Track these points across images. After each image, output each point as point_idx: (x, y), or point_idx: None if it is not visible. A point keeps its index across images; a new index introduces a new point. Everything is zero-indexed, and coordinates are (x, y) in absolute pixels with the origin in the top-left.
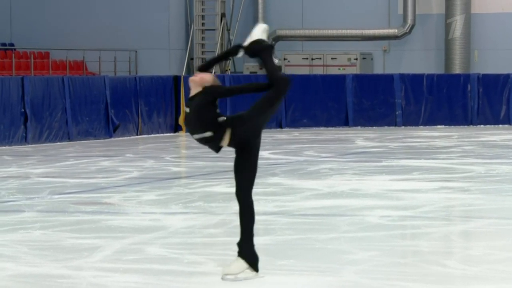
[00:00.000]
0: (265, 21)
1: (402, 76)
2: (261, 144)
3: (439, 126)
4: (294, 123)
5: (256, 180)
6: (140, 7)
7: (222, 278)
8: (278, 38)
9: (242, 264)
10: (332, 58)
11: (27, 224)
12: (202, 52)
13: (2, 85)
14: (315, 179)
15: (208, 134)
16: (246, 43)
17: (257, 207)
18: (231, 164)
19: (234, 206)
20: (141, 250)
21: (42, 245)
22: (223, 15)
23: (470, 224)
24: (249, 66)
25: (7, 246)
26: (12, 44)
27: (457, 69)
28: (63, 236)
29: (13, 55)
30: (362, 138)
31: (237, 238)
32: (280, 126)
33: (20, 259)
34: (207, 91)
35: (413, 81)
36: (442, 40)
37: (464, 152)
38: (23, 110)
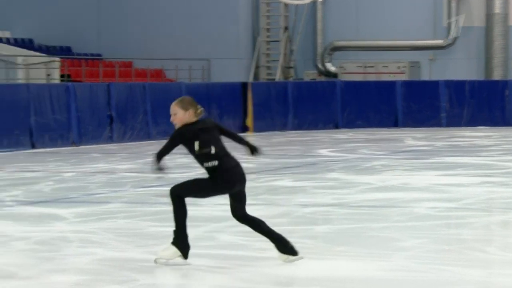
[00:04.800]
0: (324, 33)
1: (447, 82)
2: (320, 142)
3: (480, 127)
4: (349, 124)
5: (315, 175)
6: (213, 21)
7: (155, 261)
8: (335, 48)
9: (175, 251)
10: (383, 66)
11: (113, 214)
12: (267, 61)
13: (91, 91)
14: (369, 175)
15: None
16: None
17: (317, 199)
18: (293, 161)
19: (296, 198)
20: (213, 237)
21: (126, 232)
22: (286, 28)
23: (509, 215)
24: (309, 73)
25: (96, 233)
26: (99, 55)
27: (496, 75)
28: (145, 224)
29: (101, 64)
30: (410, 137)
31: (300, 227)
32: (336, 126)
33: (107, 244)
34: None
35: (457, 86)
36: (483, 50)
37: (503, 150)
38: (109, 113)
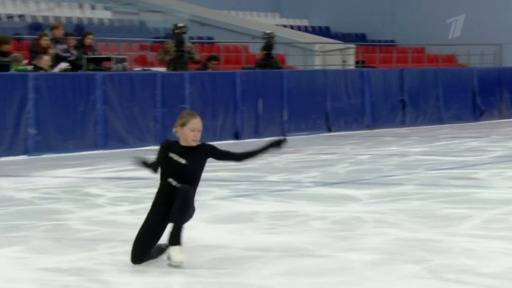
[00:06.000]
0: None
1: None
2: None
3: None
4: None
5: None
6: (505, 6)
7: (174, 265)
8: None
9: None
10: None
11: (406, 196)
12: None
13: (384, 77)
14: None
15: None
16: None
17: None
18: None
19: None
20: (507, 220)
21: (419, 213)
22: None
23: None
24: None
25: (390, 214)
26: (393, 41)
27: None
28: (438, 206)
29: (394, 50)
30: None
31: None
32: None
33: (401, 225)
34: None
35: None
36: None
37: None
38: (401, 98)
